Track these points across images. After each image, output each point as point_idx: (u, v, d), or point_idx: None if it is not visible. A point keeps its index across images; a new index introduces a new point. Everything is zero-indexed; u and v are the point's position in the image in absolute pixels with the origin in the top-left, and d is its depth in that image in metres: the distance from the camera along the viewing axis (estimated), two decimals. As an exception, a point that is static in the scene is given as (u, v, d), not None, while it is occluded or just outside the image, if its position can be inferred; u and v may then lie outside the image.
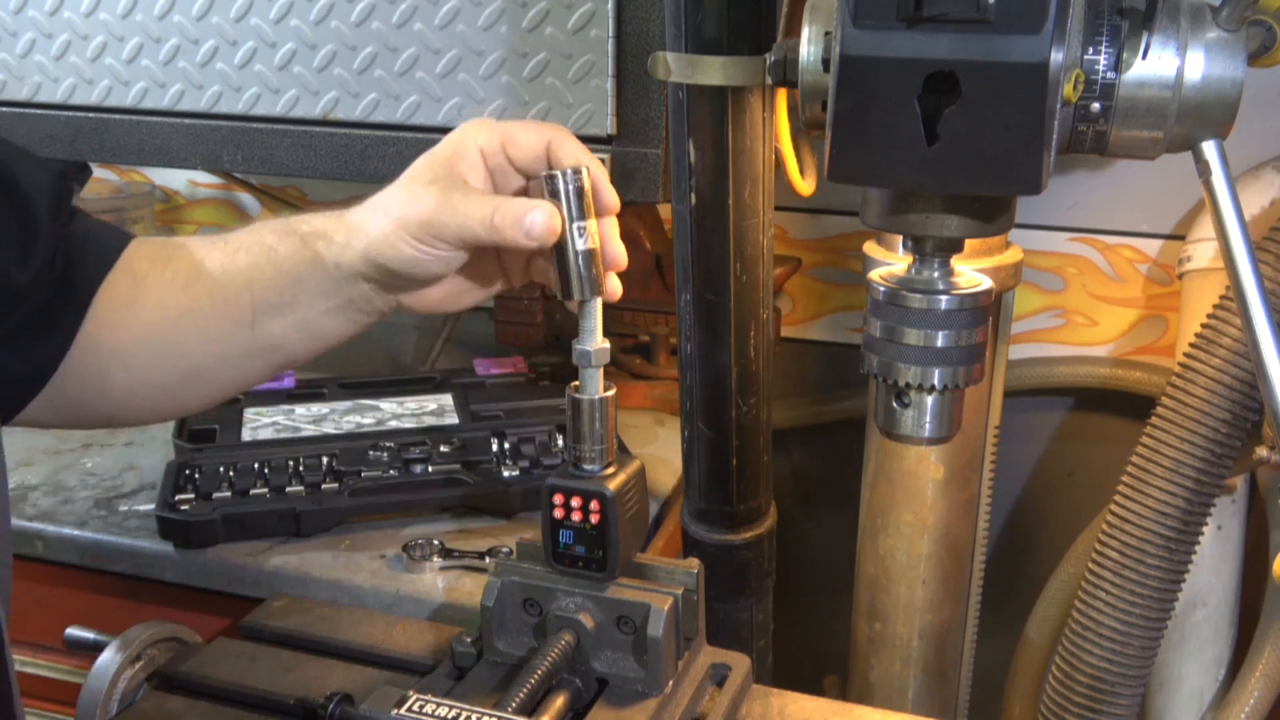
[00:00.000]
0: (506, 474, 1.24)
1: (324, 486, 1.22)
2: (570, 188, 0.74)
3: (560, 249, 0.75)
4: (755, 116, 0.92)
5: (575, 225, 0.74)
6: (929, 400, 0.73)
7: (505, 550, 1.11)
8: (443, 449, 1.29)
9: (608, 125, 1.15)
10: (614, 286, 0.80)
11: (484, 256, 0.85)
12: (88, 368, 0.86)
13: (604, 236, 0.78)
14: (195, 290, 0.86)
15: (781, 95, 0.93)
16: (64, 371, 0.86)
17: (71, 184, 0.89)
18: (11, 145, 0.85)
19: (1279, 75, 0.74)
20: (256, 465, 1.24)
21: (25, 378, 0.85)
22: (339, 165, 1.26)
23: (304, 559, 1.14)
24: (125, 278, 0.87)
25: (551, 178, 0.74)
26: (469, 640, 0.85)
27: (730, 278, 0.99)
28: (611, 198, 0.79)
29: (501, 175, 0.80)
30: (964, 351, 0.71)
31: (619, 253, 0.79)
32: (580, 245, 0.74)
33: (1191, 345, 1.19)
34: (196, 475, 1.22)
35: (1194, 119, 0.67)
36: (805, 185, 0.99)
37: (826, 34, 0.69)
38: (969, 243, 0.74)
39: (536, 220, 0.74)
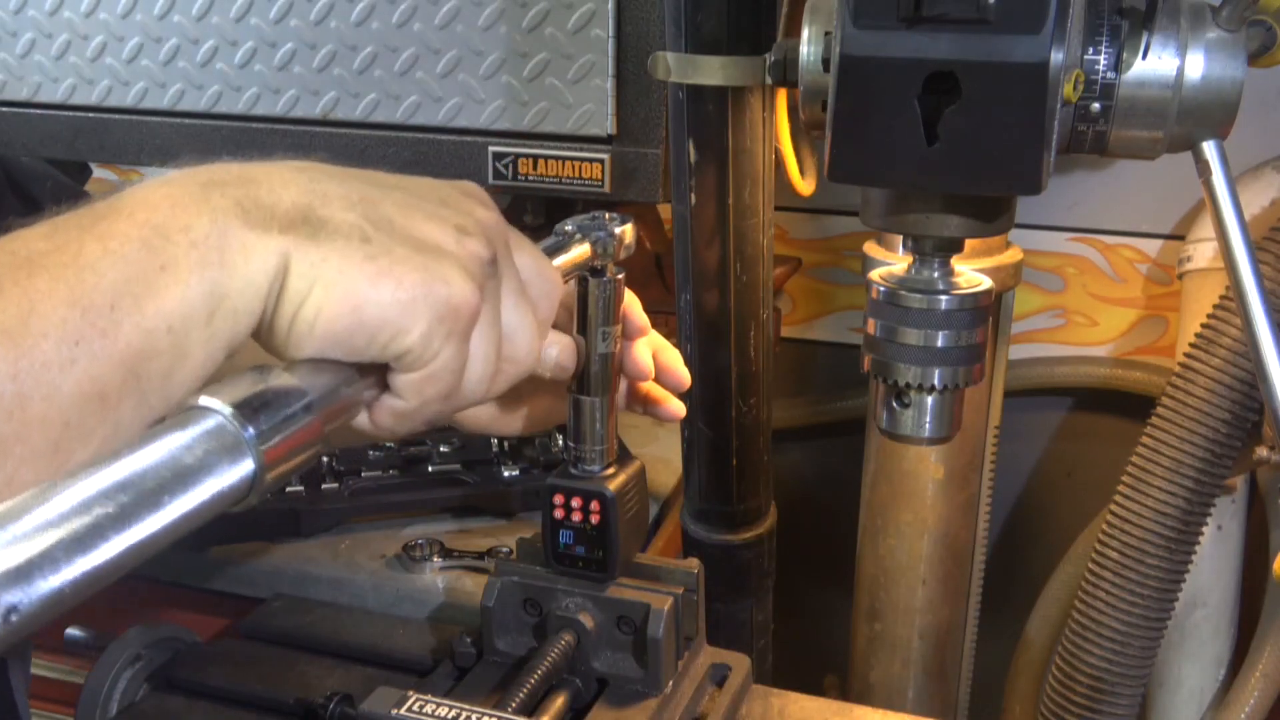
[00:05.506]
0: (506, 474, 1.23)
1: (323, 486, 1.21)
2: (599, 293, 0.75)
3: (583, 349, 0.77)
4: (755, 116, 0.92)
5: (600, 330, 0.75)
6: (929, 400, 0.73)
7: (505, 550, 1.11)
8: (443, 449, 1.28)
9: (608, 125, 1.15)
10: (675, 407, 0.83)
11: (530, 389, 0.85)
12: None
13: (631, 350, 0.79)
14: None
15: (781, 95, 0.93)
16: None
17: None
18: (10, 158, 0.86)
19: (1279, 75, 0.74)
20: (256, 465, 1.24)
21: None
22: (338, 165, 1.26)
23: (304, 559, 1.14)
24: None
25: (583, 280, 0.75)
26: (469, 640, 0.84)
27: (730, 278, 0.99)
28: (641, 319, 0.80)
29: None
30: (964, 351, 0.71)
31: (644, 364, 0.79)
32: (601, 348, 0.75)
33: (1191, 345, 1.19)
34: (196, 475, 1.22)
35: (1194, 119, 0.66)
36: (805, 185, 0.99)
37: (826, 34, 0.69)
38: (969, 243, 0.74)
39: (551, 354, 0.74)
